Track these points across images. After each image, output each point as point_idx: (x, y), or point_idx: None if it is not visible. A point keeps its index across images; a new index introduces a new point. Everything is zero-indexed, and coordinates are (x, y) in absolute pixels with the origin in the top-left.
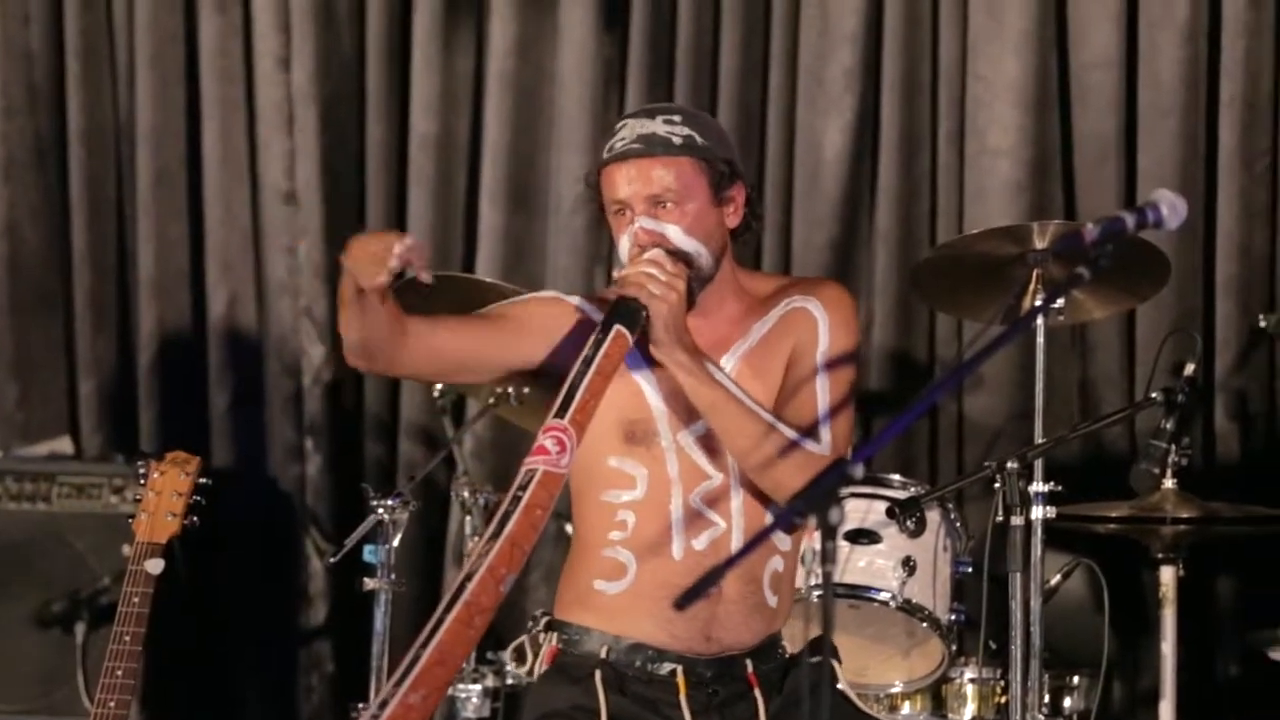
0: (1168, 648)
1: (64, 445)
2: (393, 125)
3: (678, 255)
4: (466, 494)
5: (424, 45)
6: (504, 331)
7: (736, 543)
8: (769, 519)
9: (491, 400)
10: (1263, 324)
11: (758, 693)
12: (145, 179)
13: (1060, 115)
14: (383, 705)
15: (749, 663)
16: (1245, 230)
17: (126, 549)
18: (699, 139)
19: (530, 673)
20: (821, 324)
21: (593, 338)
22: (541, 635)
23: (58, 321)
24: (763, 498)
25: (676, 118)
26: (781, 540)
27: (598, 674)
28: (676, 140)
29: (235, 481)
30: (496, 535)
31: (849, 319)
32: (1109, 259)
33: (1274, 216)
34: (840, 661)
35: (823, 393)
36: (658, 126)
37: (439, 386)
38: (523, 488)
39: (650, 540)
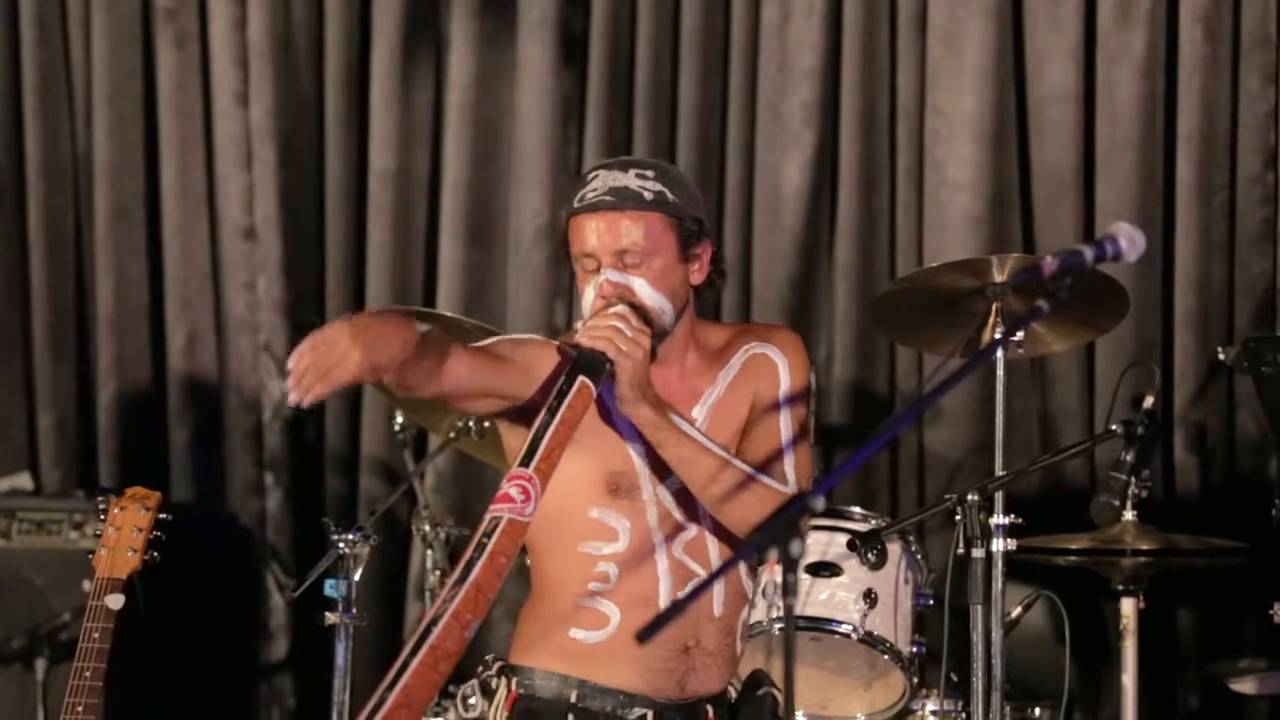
0: (1128, 679)
1: (23, 481)
2: (352, 160)
3: (641, 310)
4: (427, 528)
5: (383, 80)
6: (512, 373)
7: (720, 595)
8: (745, 574)
9: (452, 434)
10: (1221, 357)
11: None
12: (103, 214)
13: (1019, 149)
14: None
15: (710, 708)
16: (1204, 263)
17: (87, 585)
18: (670, 195)
19: (483, 717)
20: (781, 367)
21: (556, 388)
22: (495, 680)
23: (16, 357)
24: (737, 545)
25: (649, 172)
26: (750, 589)
27: (569, 718)
28: (647, 195)
29: (195, 516)
30: (461, 581)
31: (804, 361)
32: (1068, 292)
33: (1232, 250)
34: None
35: (786, 434)
36: (630, 180)
37: (399, 420)
38: (487, 535)
39: (636, 592)
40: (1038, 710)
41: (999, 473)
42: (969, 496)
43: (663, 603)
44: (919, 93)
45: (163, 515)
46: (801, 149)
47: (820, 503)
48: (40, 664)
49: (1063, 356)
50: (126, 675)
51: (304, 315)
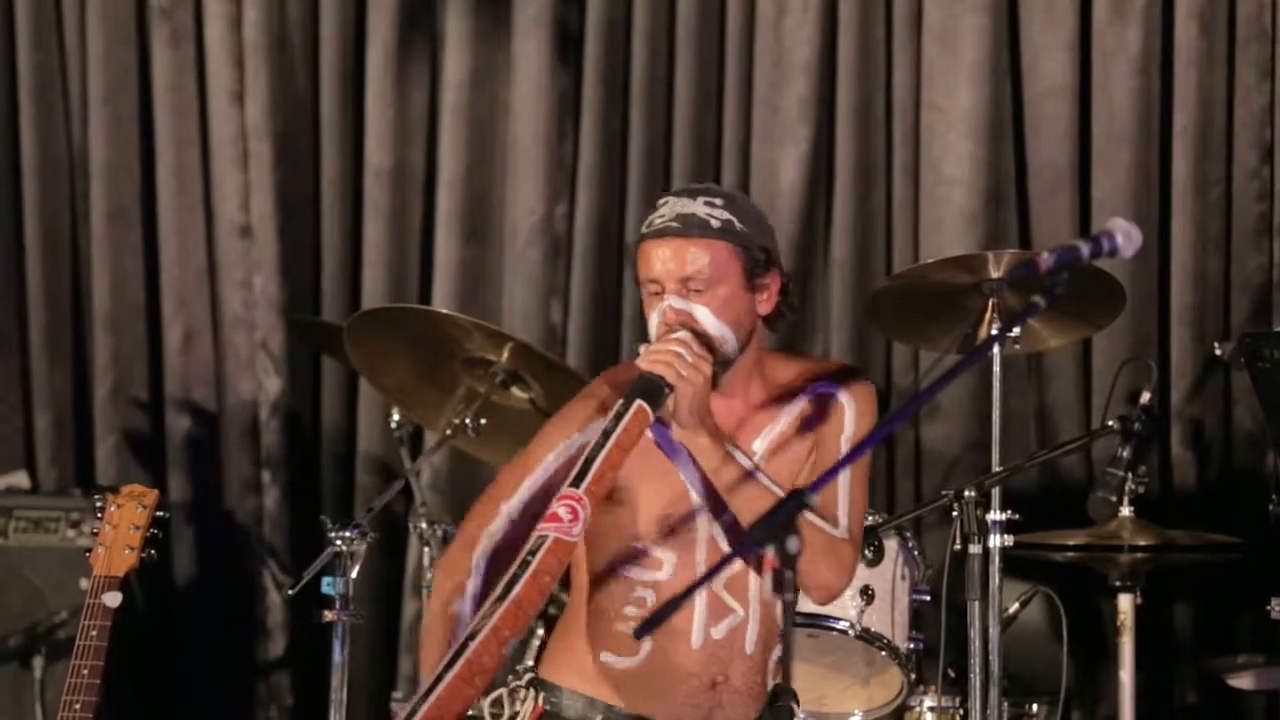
0: (1126, 675)
1: (20, 479)
2: (347, 158)
3: (704, 337)
4: (424, 525)
5: (378, 78)
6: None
7: (753, 632)
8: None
9: (449, 432)
10: (1218, 352)
11: None
12: (100, 213)
13: (1014, 145)
14: None
15: None
16: (1200, 258)
17: (84, 583)
18: (738, 224)
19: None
20: (848, 411)
21: (614, 410)
22: (523, 692)
23: (13, 356)
24: (779, 586)
25: (718, 200)
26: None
27: None
28: (715, 223)
29: (192, 514)
30: (503, 597)
31: (871, 407)
32: (1064, 287)
33: (1228, 245)
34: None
35: (844, 479)
36: (698, 207)
37: (396, 418)
38: (532, 552)
39: (671, 624)
40: (1035, 706)
41: (996, 469)
42: (966, 492)
43: (695, 638)
44: (915, 88)
45: (160, 513)
46: (797, 144)
47: (817, 499)
48: (38, 662)
49: (1059, 352)
50: (124, 673)
51: (300, 313)
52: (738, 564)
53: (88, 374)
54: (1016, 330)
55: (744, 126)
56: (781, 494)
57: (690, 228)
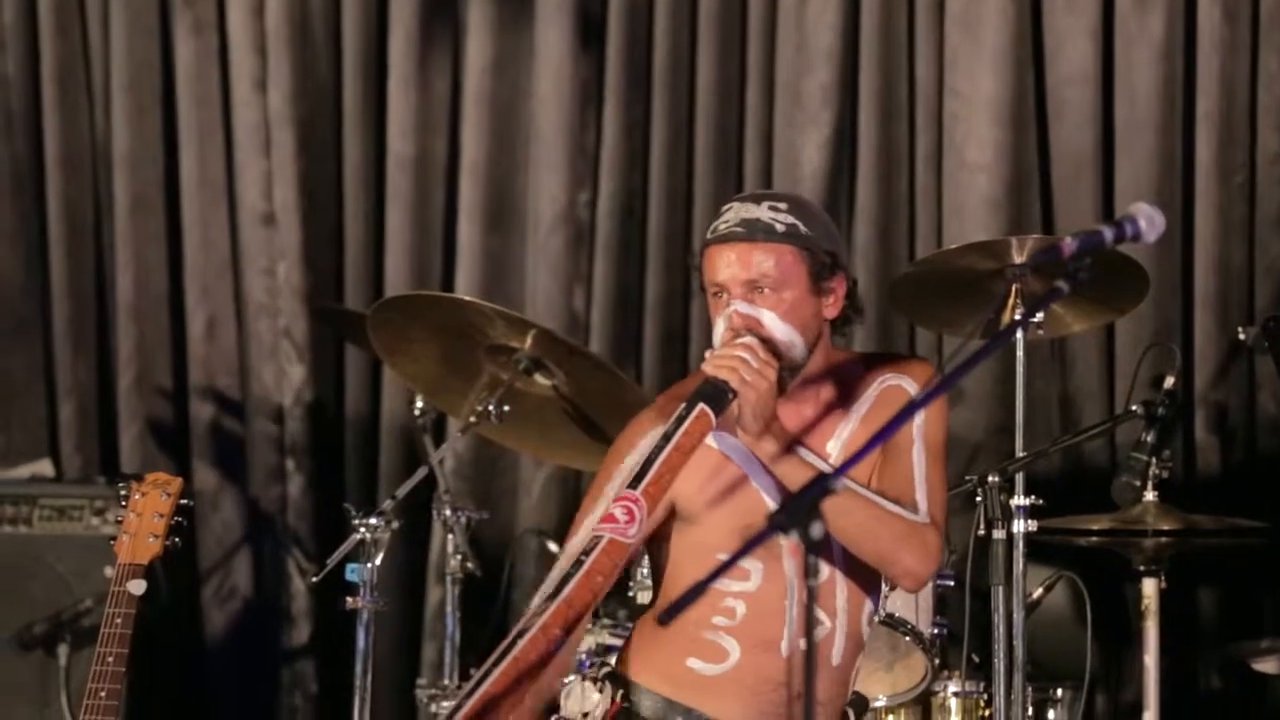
0: (1150, 659)
1: (45, 468)
2: (370, 145)
3: (770, 343)
4: (448, 512)
5: (400, 65)
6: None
7: (839, 645)
8: (865, 621)
9: (472, 419)
10: (1242, 337)
11: None
12: (123, 203)
13: (1037, 131)
14: None
15: None
16: (1223, 243)
17: (109, 570)
18: (802, 228)
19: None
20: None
21: (676, 413)
22: (602, 684)
23: (37, 345)
24: (863, 594)
25: (782, 205)
26: (867, 634)
27: None
28: (779, 227)
29: (216, 502)
30: (554, 595)
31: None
32: (1087, 273)
33: (1251, 229)
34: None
35: (919, 465)
36: (762, 212)
37: (419, 405)
38: (586, 553)
39: (761, 634)
40: (1059, 691)
41: (1019, 454)
42: (990, 478)
43: (784, 648)
44: (937, 75)
45: (184, 501)
46: (820, 130)
47: (841, 484)
48: (63, 650)
49: (1083, 337)
50: (149, 661)
51: (323, 301)
52: (825, 571)
53: (111, 363)
54: (1040, 315)
55: (766, 113)
56: (858, 489)
57: (755, 232)
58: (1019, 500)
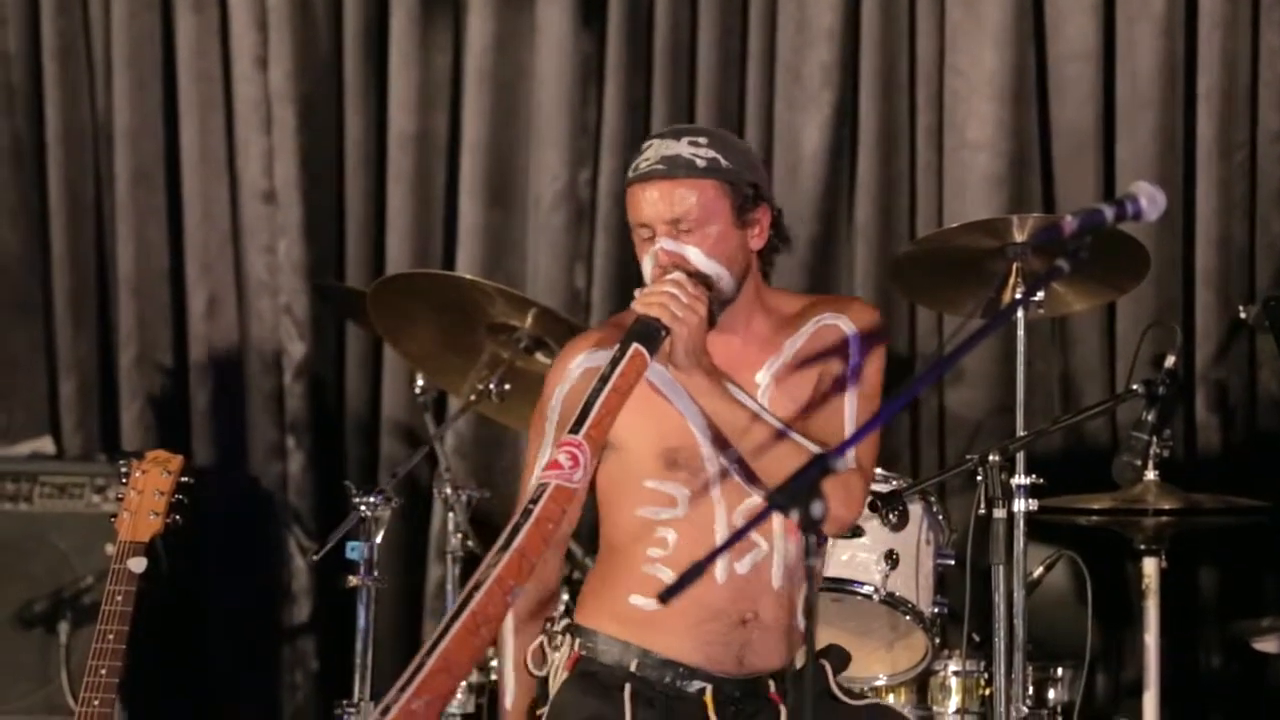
0: (1150, 639)
1: (46, 445)
2: (371, 122)
3: (698, 277)
4: (449, 490)
5: (401, 42)
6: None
7: (778, 566)
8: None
9: (473, 397)
10: (1243, 315)
11: (783, 709)
12: (124, 179)
13: (1038, 108)
14: (385, 711)
15: (771, 683)
16: (1224, 222)
17: (109, 548)
18: (723, 161)
19: (549, 676)
20: (852, 341)
21: (612, 355)
22: (559, 638)
23: (38, 322)
24: None
25: (702, 139)
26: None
27: (627, 688)
28: (700, 162)
29: (217, 479)
30: (506, 546)
31: (879, 336)
32: (1088, 251)
33: (1253, 208)
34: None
35: (851, 408)
36: (682, 148)
37: (420, 383)
38: (534, 501)
39: (693, 560)
40: (1060, 670)
41: (1020, 433)
42: (990, 457)
43: (719, 574)
44: (938, 52)
45: (184, 478)
46: (820, 109)
47: (843, 464)
48: (63, 627)
49: (1083, 316)
50: (149, 638)
51: (324, 278)
52: (757, 496)
53: (112, 340)
54: (1040, 294)
55: (767, 92)
56: (781, 428)
57: (676, 169)
58: (1019, 479)
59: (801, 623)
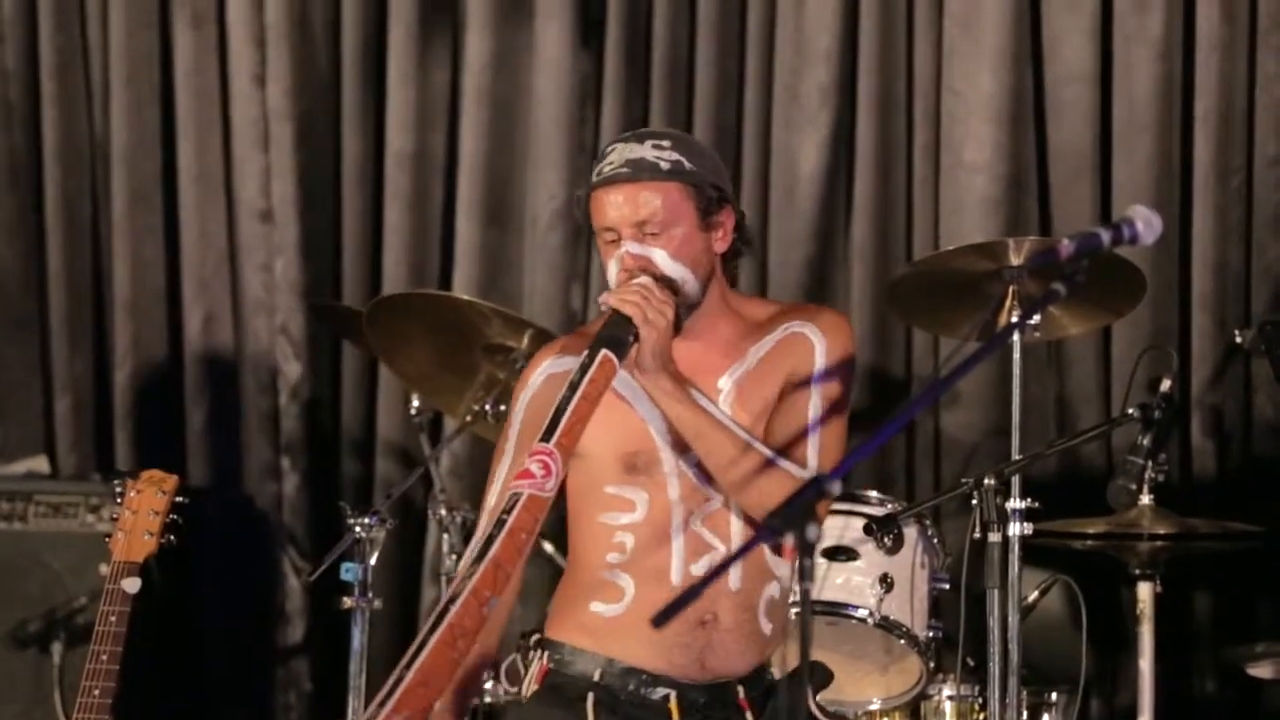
0: (1145, 664)
1: (40, 464)
2: (368, 141)
3: (664, 281)
4: (444, 512)
5: (399, 61)
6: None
7: (735, 567)
8: (767, 548)
9: (468, 418)
10: (1239, 339)
11: (749, 716)
12: (121, 197)
13: (1035, 130)
14: None
15: (740, 689)
16: (1221, 246)
17: (103, 568)
18: (687, 163)
19: (521, 692)
20: (818, 349)
21: (580, 362)
22: (532, 653)
23: (33, 340)
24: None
25: (665, 142)
26: (778, 566)
27: (590, 696)
28: (664, 165)
29: (212, 500)
30: (481, 558)
31: (846, 346)
32: (1085, 275)
33: (1249, 232)
34: (827, 680)
35: (815, 419)
36: (645, 151)
37: (415, 404)
38: (507, 511)
39: (649, 564)
40: (1054, 695)
41: (1015, 456)
42: (985, 480)
43: (675, 577)
44: (935, 74)
45: (179, 498)
46: (818, 130)
47: (837, 487)
48: (57, 647)
49: (1079, 340)
50: (143, 659)
51: (321, 298)
52: (717, 500)
53: (108, 358)
54: (1037, 317)
55: (764, 112)
56: (744, 436)
57: (640, 171)
58: (1015, 503)
59: (767, 626)
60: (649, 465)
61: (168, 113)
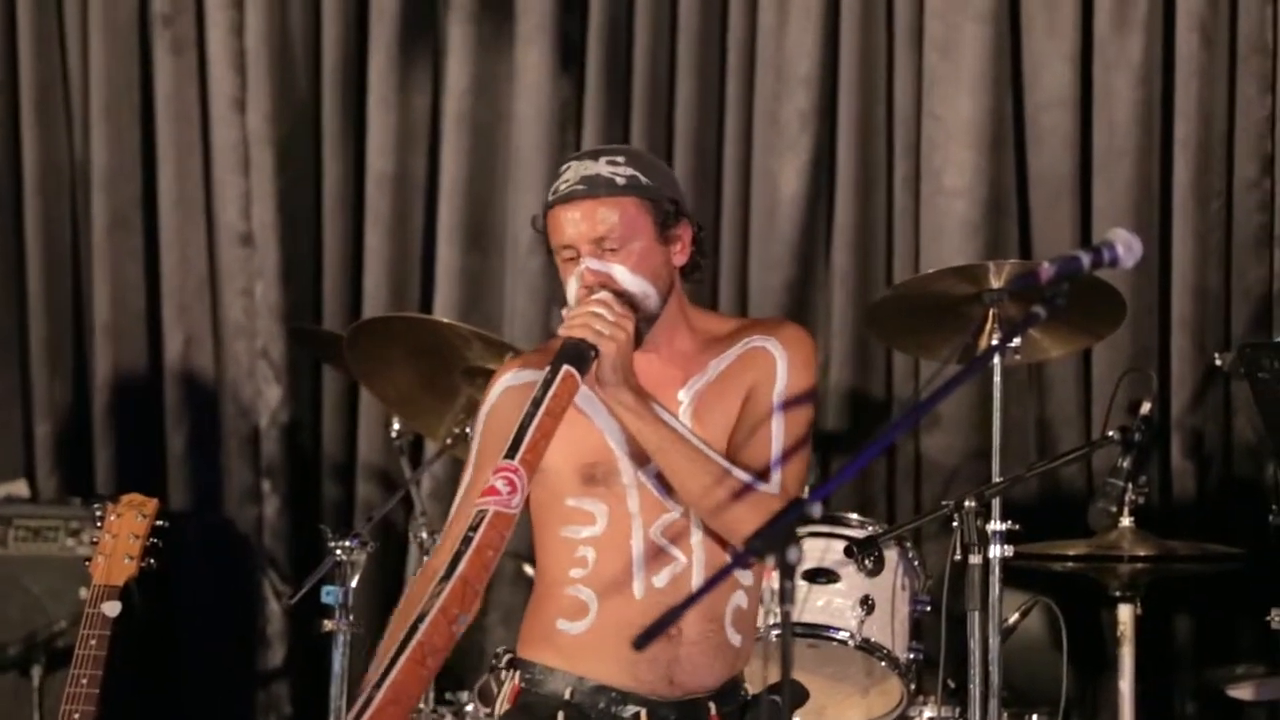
0: (1125, 685)
1: (20, 488)
2: (349, 165)
3: (624, 296)
4: (424, 535)
5: (379, 85)
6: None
7: (697, 578)
8: (729, 555)
9: (449, 441)
10: (1219, 362)
11: None
12: (101, 222)
13: (1015, 155)
14: None
15: (712, 705)
16: (1200, 269)
17: (83, 592)
18: (643, 178)
19: (494, 712)
20: (780, 363)
21: (542, 378)
22: (504, 673)
23: (13, 364)
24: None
25: (620, 158)
26: (744, 575)
27: (560, 715)
28: (620, 180)
29: (192, 523)
30: (448, 576)
31: (808, 360)
32: (1065, 298)
33: (1229, 255)
34: (802, 699)
35: (778, 433)
36: (601, 168)
37: (396, 427)
38: (473, 528)
39: (611, 578)
40: (1035, 716)
41: (996, 479)
42: (966, 503)
43: (637, 591)
44: (916, 99)
45: (160, 522)
46: (798, 155)
47: (817, 509)
48: (37, 671)
49: (1060, 362)
50: (123, 682)
51: (301, 321)
52: (676, 511)
53: (88, 383)
54: (1017, 340)
55: (745, 137)
56: (704, 449)
57: (597, 188)
58: (995, 525)
59: (735, 638)
60: (607, 476)
61: (148, 137)
